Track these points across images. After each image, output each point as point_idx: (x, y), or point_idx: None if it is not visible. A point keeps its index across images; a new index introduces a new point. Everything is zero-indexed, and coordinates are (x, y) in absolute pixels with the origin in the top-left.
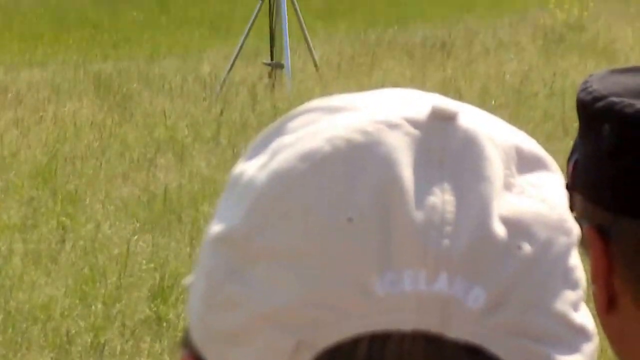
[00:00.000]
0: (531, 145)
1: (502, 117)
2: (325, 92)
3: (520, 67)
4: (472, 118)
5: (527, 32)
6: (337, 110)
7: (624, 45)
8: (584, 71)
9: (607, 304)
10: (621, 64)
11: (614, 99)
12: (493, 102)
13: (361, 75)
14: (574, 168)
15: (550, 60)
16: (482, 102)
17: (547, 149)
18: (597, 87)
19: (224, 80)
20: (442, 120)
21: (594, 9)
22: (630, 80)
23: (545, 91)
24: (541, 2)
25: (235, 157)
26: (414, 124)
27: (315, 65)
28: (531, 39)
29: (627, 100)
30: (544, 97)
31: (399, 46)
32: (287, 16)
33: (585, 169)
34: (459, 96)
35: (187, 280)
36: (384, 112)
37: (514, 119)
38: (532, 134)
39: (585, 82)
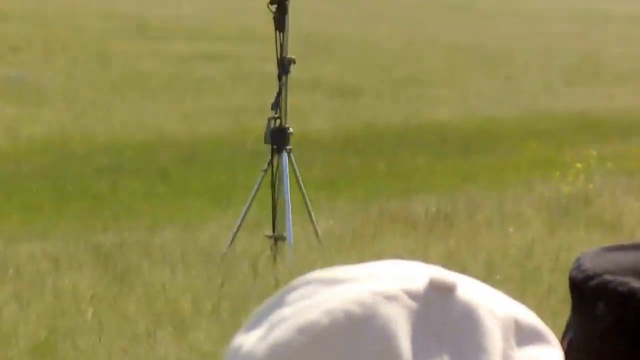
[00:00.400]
0: (530, 318)
1: (507, 292)
2: (328, 264)
3: (525, 240)
4: (470, 289)
5: (532, 204)
6: (336, 282)
7: (631, 220)
8: (590, 245)
9: None
10: (627, 239)
11: (607, 277)
12: (497, 276)
13: (363, 247)
14: (569, 346)
15: (555, 234)
16: (487, 275)
17: (551, 325)
18: (590, 265)
19: (226, 252)
20: (440, 292)
21: (599, 182)
22: (623, 258)
23: (550, 265)
24: (545, 174)
25: (236, 331)
26: (412, 295)
27: (318, 237)
28: (535, 211)
29: (620, 279)
30: (548, 271)
31: (401, 218)
32: (289, 187)
33: (580, 349)
34: (462, 269)
35: None
36: (381, 283)
37: (519, 294)
38: (536, 309)
39: (577, 260)
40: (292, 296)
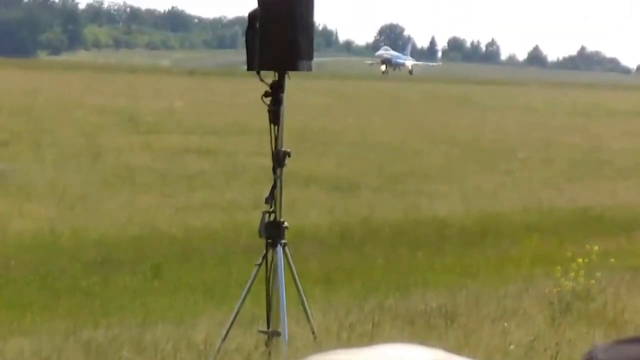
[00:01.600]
0: None
1: None
2: None
3: (526, 336)
4: None
5: (533, 301)
6: None
7: (634, 316)
8: (592, 342)
9: None
10: (631, 335)
11: None
12: None
13: (361, 345)
14: None
15: (556, 330)
16: None
17: None
18: (603, 357)
19: (219, 349)
20: None
21: (601, 278)
22: (635, 351)
23: None
24: (546, 270)
25: None
26: None
27: (314, 334)
28: (537, 307)
29: None
30: None
31: (400, 314)
32: (284, 282)
33: None
34: None
35: None
36: None
37: None
38: None
39: (590, 352)
40: None
